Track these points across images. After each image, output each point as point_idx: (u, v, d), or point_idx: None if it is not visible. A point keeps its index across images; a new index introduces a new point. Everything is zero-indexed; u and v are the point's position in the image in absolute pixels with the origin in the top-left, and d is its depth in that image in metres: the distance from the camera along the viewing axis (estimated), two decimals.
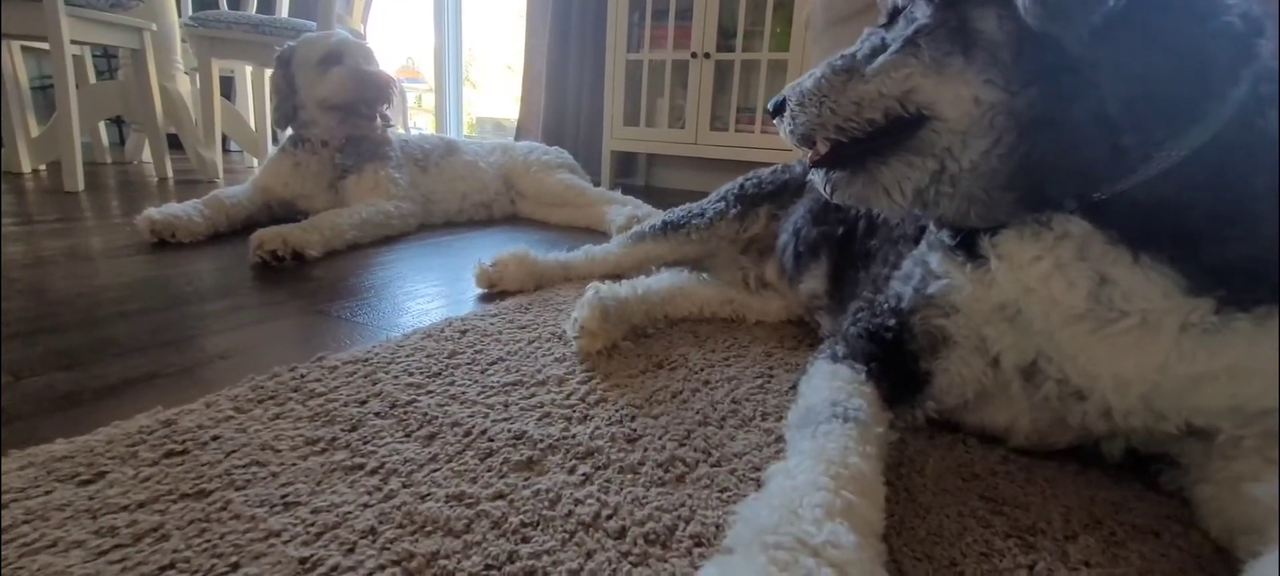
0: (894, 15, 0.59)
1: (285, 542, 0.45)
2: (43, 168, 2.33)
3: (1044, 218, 0.54)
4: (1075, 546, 0.50)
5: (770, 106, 0.67)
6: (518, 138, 3.59)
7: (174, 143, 2.53)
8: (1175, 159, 0.48)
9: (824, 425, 0.51)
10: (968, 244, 0.58)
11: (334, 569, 0.43)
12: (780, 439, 0.62)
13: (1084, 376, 0.53)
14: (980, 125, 0.53)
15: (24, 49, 2.26)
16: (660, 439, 0.63)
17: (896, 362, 0.60)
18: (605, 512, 0.50)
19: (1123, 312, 0.50)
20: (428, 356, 0.79)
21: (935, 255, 0.61)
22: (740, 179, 1.13)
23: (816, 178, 0.66)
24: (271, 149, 2.01)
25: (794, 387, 0.63)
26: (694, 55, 2.80)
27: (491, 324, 0.93)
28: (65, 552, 0.43)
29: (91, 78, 2.81)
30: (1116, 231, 0.51)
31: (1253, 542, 0.45)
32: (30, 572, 0.41)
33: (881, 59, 0.57)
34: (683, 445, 0.62)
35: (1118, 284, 0.50)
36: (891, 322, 0.62)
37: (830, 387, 0.56)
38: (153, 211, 1.38)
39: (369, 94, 1.63)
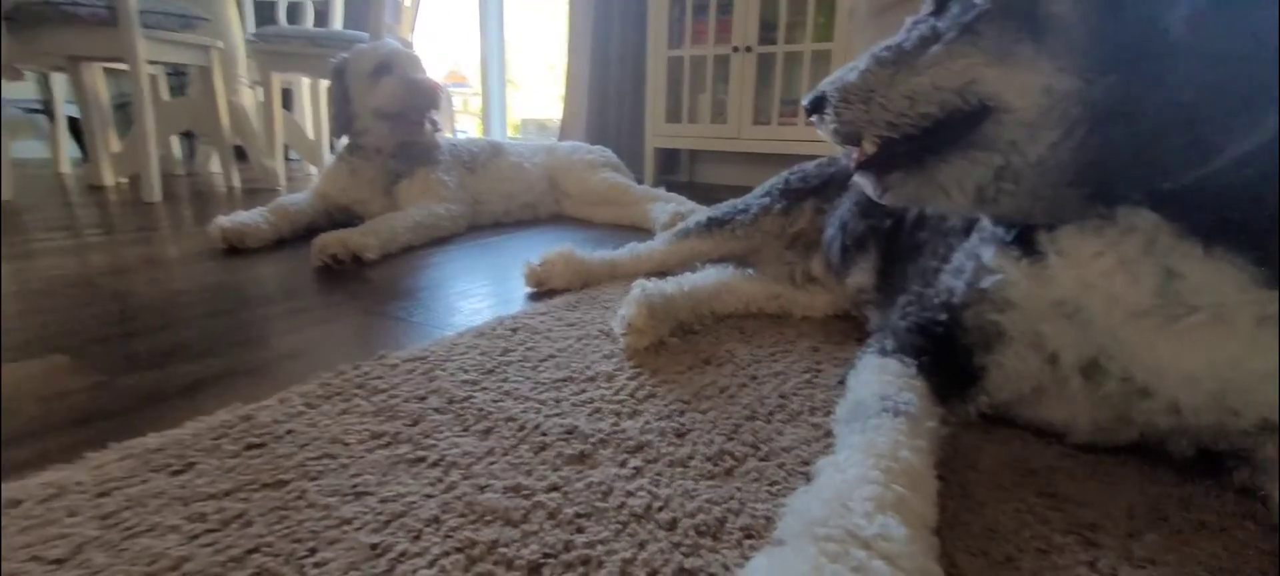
0: (943, 1, 0.57)
1: (357, 530, 0.48)
2: (124, 180, 2.50)
3: (1108, 211, 0.52)
4: (1139, 544, 0.48)
5: (806, 103, 0.63)
6: (561, 137, 3.65)
7: (240, 153, 2.67)
8: (1253, 145, 0.45)
9: (873, 419, 0.51)
10: (1024, 239, 0.56)
11: (402, 555, 0.45)
12: (829, 433, 0.62)
13: (1150, 374, 0.51)
14: (1051, 116, 0.50)
15: (105, 71, 2.42)
16: (709, 433, 0.64)
17: (948, 357, 0.59)
18: (656, 504, 0.52)
19: (1192, 307, 0.48)
20: (481, 354, 0.82)
21: (988, 249, 0.60)
22: (785, 173, 1.12)
23: (864, 181, 0.62)
24: (329, 157, 2.10)
25: (842, 382, 0.63)
26: (736, 49, 2.78)
27: (541, 322, 0.96)
28: (162, 536, 0.47)
29: (164, 95, 2.99)
30: (1186, 223, 0.48)
31: None
32: (133, 554, 0.45)
33: (936, 48, 0.54)
34: (731, 439, 0.63)
35: (1186, 278, 0.48)
36: (942, 317, 0.61)
37: (879, 382, 0.56)
38: (223, 220, 1.46)
39: (418, 101, 1.69)
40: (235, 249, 1.45)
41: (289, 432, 0.61)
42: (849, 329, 0.97)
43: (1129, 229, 0.51)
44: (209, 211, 1.97)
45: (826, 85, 0.61)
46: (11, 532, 0.46)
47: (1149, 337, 0.50)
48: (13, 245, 1.44)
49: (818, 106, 0.61)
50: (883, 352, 0.61)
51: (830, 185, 1.05)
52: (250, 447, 0.59)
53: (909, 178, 0.59)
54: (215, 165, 2.99)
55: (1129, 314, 0.51)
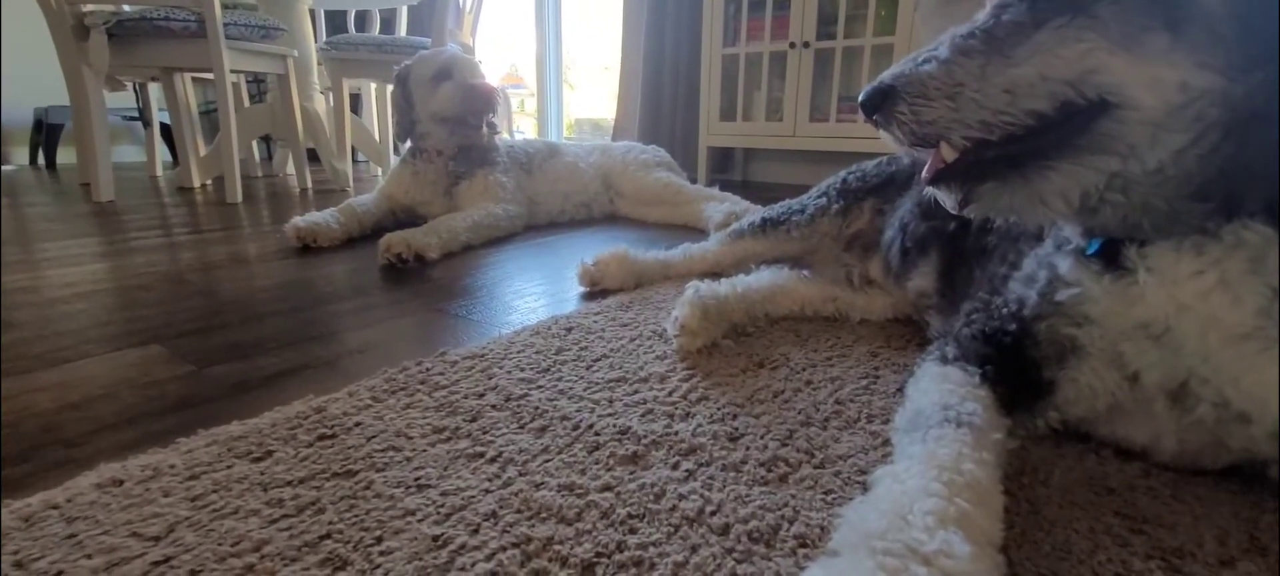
0: None
1: (419, 521, 0.50)
2: (209, 183, 2.67)
3: (1214, 226, 0.47)
4: (1233, 572, 0.45)
5: (864, 99, 0.54)
6: (615, 137, 3.67)
7: (312, 156, 2.82)
8: None
9: (935, 429, 0.49)
10: (1108, 252, 0.52)
11: (462, 547, 0.47)
12: (887, 442, 0.61)
13: (1251, 400, 0.47)
14: (1183, 117, 0.45)
15: (194, 79, 2.60)
16: (762, 438, 0.63)
17: (1015, 368, 0.56)
18: (709, 509, 0.52)
19: None
20: (537, 353, 0.84)
21: (1066, 260, 0.56)
22: (842, 173, 1.10)
23: (943, 193, 0.54)
24: (393, 160, 2.19)
25: (901, 390, 0.61)
26: (792, 45, 2.73)
27: (594, 322, 0.97)
28: (244, 519, 0.50)
29: (246, 102, 3.18)
30: None
31: None
32: (219, 534, 0.48)
33: (1042, 33, 0.47)
34: (785, 445, 0.62)
35: None
36: (1011, 327, 0.58)
37: (940, 390, 0.54)
38: (298, 220, 1.55)
39: (476, 105, 1.74)
40: (308, 247, 1.53)
41: (357, 425, 0.64)
42: (909, 334, 0.94)
43: (1235, 245, 0.46)
44: (285, 211, 2.08)
45: (892, 78, 0.52)
46: (114, 510, 0.50)
47: (1252, 362, 0.46)
48: (112, 243, 1.57)
49: (880, 103, 0.52)
50: (944, 360, 0.59)
51: (890, 185, 1.02)
52: (323, 438, 0.62)
53: (1004, 188, 0.51)
54: (290, 167, 3.16)
55: (1229, 337, 0.47)
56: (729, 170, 3.43)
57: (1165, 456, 0.56)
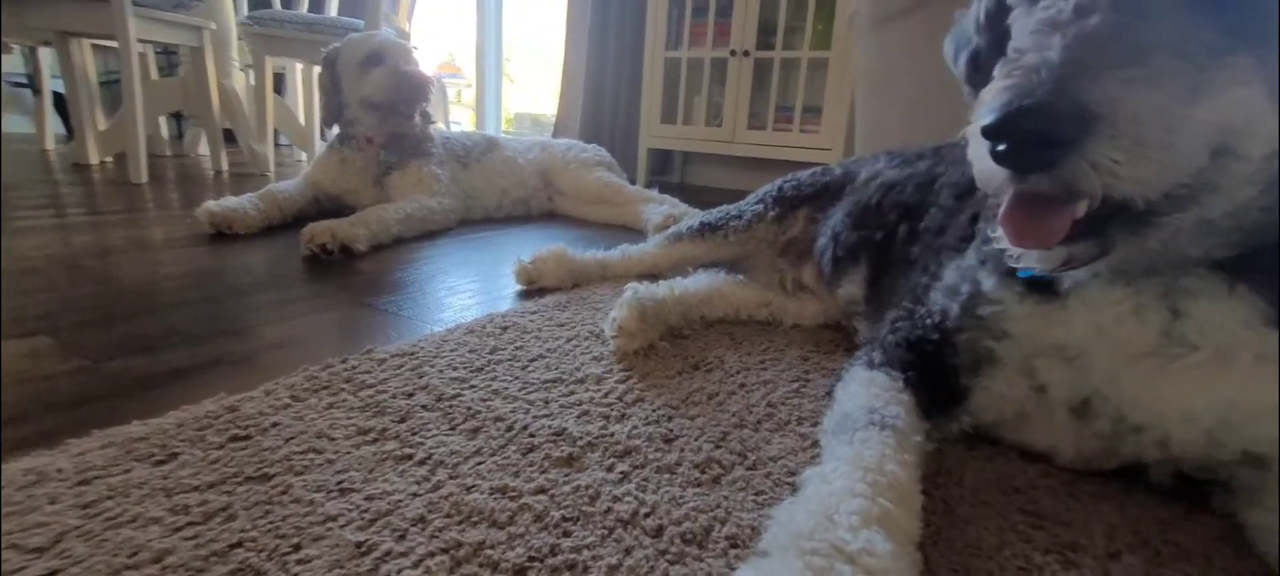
0: None
1: (342, 527, 0.47)
2: (109, 160, 2.46)
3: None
4: (1118, 565, 0.49)
5: (1032, 124, 0.38)
6: (556, 134, 3.64)
7: (229, 137, 2.64)
8: None
9: (861, 432, 0.51)
10: (1044, 281, 0.53)
11: (387, 554, 0.45)
12: (816, 444, 0.63)
13: (1144, 413, 0.51)
14: (1264, 170, 0.42)
15: (94, 47, 2.38)
16: (697, 440, 0.64)
17: (935, 374, 0.60)
18: (643, 511, 0.52)
19: (1193, 347, 0.48)
20: (470, 351, 0.82)
21: (990, 278, 0.58)
22: (779, 181, 1.13)
23: (1049, 255, 0.44)
24: (320, 144, 2.08)
25: (830, 393, 0.63)
26: (733, 53, 2.78)
27: (531, 321, 0.95)
28: (144, 527, 0.46)
29: (154, 74, 2.94)
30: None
31: None
32: (114, 545, 0.44)
33: (1225, 68, 0.38)
34: (719, 447, 0.63)
35: (1192, 318, 0.48)
36: (934, 336, 0.61)
37: (867, 394, 0.56)
38: (212, 204, 1.44)
39: (407, 93, 1.68)
40: (223, 234, 1.43)
41: (274, 425, 0.61)
42: (838, 339, 0.98)
43: (1144, 269, 0.49)
44: (196, 195, 1.94)
45: (1083, 96, 0.36)
46: None
47: (1148, 378, 0.50)
48: None
49: (1073, 137, 0.37)
50: (871, 365, 0.61)
51: (824, 194, 1.05)
52: (235, 439, 0.58)
53: (1134, 243, 0.43)
54: (203, 147, 2.95)
55: (1131, 356, 0.50)
56: (668, 172, 3.46)
57: (1064, 460, 0.60)
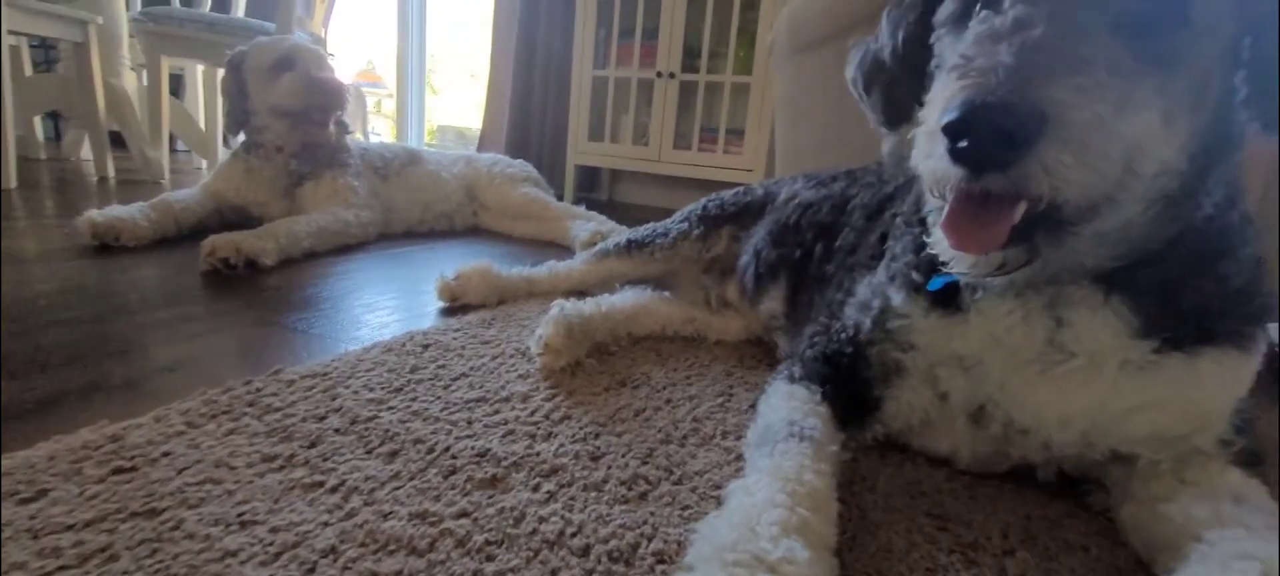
0: None
1: (242, 563, 0.44)
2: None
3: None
4: (1013, 561, 0.53)
5: (987, 126, 0.39)
6: (480, 148, 3.57)
7: (116, 140, 2.43)
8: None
9: (781, 443, 0.53)
10: (947, 292, 0.57)
11: None
12: (740, 457, 0.64)
13: (1030, 416, 0.56)
14: (1154, 187, 0.46)
15: None
16: (624, 457, 0.64)
17: (850, 386, 0.63)
18: (570, 530, 0.51)
19: (1071, 354, 0.53)
20: (389, 371, 0.79)
21: (899, 294, 0.61)
22: (703, 200, 1.16)
23: (981, 260, 0.47)
24: (222, 151, 1.94)
25: (753, 407, 0.65)
26: (659, 74, 2.84)
27: (454, 338, 0.93)
28: None
29: (28, 70, 2.67)
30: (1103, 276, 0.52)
31: (1168, 559, 0.49)
32: None
33: (1145, 86, 0.42)
34: (645, 463, 0.63)
35: (1072, 326, 0.53)
36: (848, 350, 0.64)
37: (787, 407, 0.58)
38: (94, 213, 1.32)
39: (320, 100, 1.61)
40: (108, 247, 1.31)
41: (165, 455, 0.56)
42: (761, 354, 1.01)
43: (1045, 281, 0.52)
44: (76, 203, 1.77)
45: (1035, 97, 0.38)
46: None
47: (1033, 383, 0.54)
48: None
49: (1029, 139, 0.39)
50: (791, 379, 0.64)
51: (746, 213, 1.09)
52: (118, 471, 0.53)
53: (1058, 250, 0.47)
54: (87, 151, 2.69)
55: (1019, 363, 0.55)
56: (596, 189, 3.47)
57: (963, 463, 0.65)
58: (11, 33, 1.91)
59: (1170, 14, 0.42)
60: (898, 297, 0.61)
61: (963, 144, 0.40)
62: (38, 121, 2.69)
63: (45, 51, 3.04)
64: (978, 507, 0.60)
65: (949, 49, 0.50)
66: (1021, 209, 0.43)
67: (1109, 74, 0.40)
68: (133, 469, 0.53)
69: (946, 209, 0.46)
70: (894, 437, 0.67)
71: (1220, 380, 0.52)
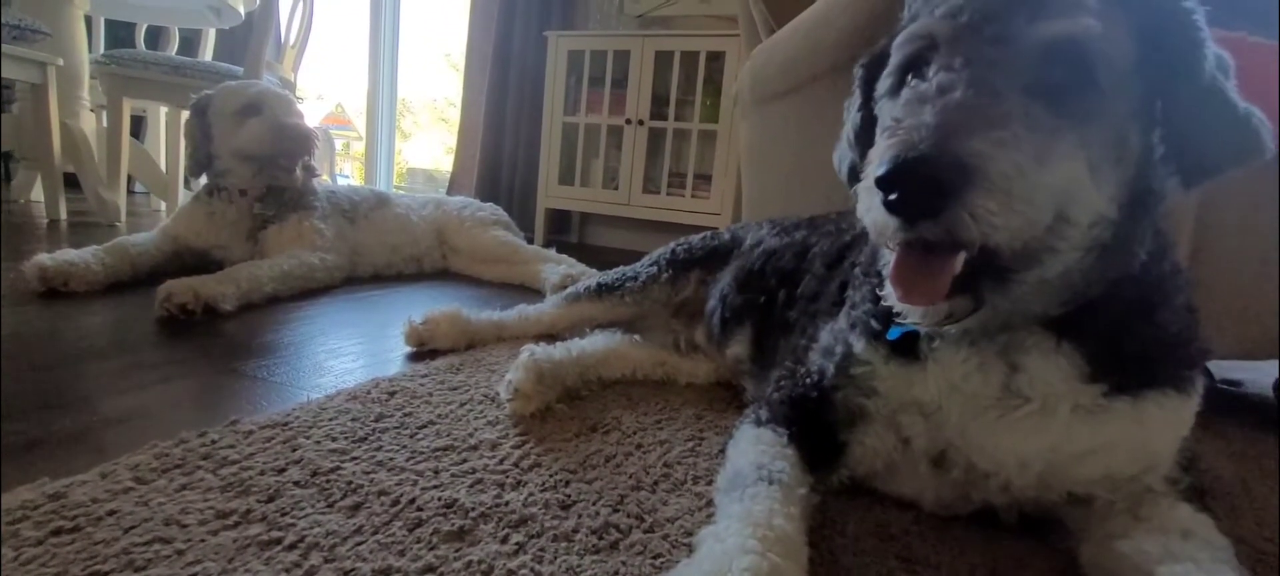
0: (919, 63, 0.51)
1: None
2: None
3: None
4: None
5: (918, 178, 0.42)
6: (450, 191, 3.57)
7: (70, 182, 2.36)
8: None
9: (751, 488, 0.53)
10: (906, 341, 0.58)
11: None
12: (711, 502, 0.64)
13: (989, 460, 0.57)
14: (1088, 236, 0.49)
15: None
16: (594, 504, 0.63)
17: (816, 430, 0.63)
18: None
19: (1026, 399, 0.54)
20: (353, 420, 0.77)
21: (860, 341, 0.62)
22: (673, 244, 1.17)
23: (928, 310, 0.49)
24: (183, 193, 1.91)
25: (722, 451, 0.65)
26: (629, 121, 2.90)
27: (421, 385, 0.91)
28: None
29: None
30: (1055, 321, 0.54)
31: None
32: None
33: (1067, 139, 0.45)
34: (617, 511, 0.62)
35: (1026, 371, 0.54)
36: (813, 394, 0.65)
37: (755, 451, 0.59)
38: (44, 257, 1.27)
39: (288, 146, 1.60)
40: (56, 291, 1.26)
41: (111, 513, 0.53)
42: (730, 397, 1.01)
43: (996, 329, 0.54)
44: (24, 246, 1.70)
45: (959, 152, 0.42)
46: None
47: (991, 428, 0.56)
48: None
49: (956, 187, 0.42)
50: (758, 422, 0.64)
51: (713, 257, 1.11)
52: (58, 533, 0.50)
53: (1003, 298, 0.49)
54: (39, 193, 2.61)
55: (977, 409, 0.56)
56: (566, 232, 3.49)
57: (929, 506, 0.66)
58: None
59: (1078, 79, 0.46)
60: (858, 344, 0.63)
61: (893, 196, 0.44)
62: None
63: (1, 91, 2.96)
64: (945, 549, 0.61)
65: (887, 114, 0.54)
66: (960, 259, 0.46)
67: (1026, 129, 0.43)
68: (75, 529, 0.51)
69: (892, 262, 0.49)
70: (861, 481, 0.67)
71: (1164, 421, 0.54)
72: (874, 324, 0.62)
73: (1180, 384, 0.54)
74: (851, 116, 0.65)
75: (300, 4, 2.64)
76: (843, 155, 0.67)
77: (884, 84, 0.57)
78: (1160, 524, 0.53)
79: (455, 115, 3.66)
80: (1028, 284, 0.49)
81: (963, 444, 0.58)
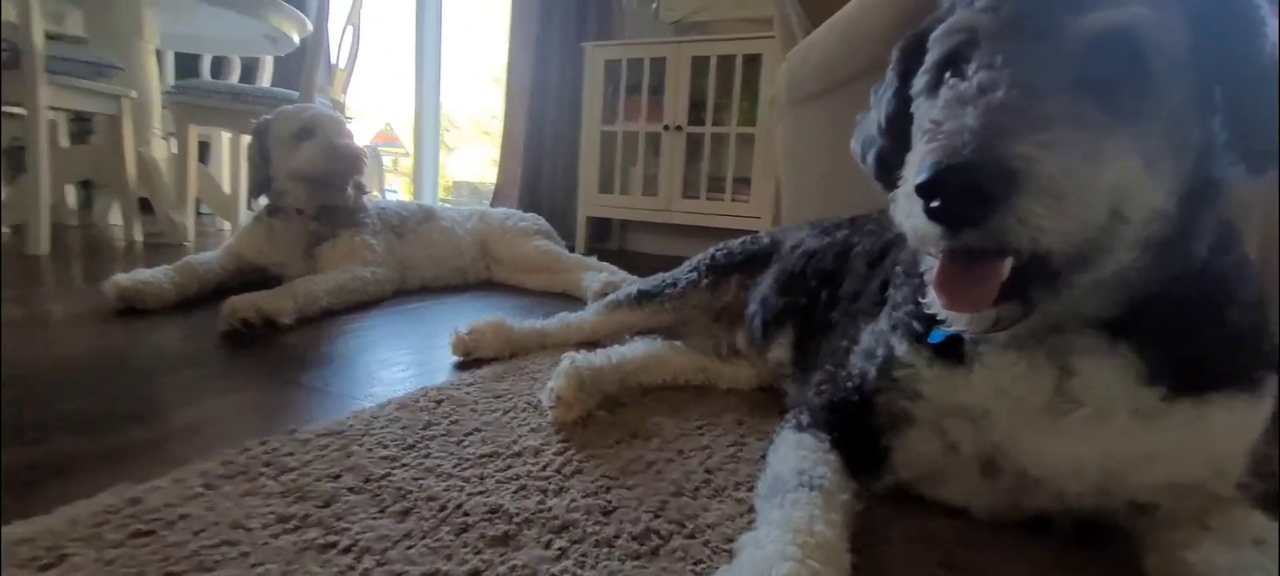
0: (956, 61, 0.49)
1: None
2: (8, 230, 2.28)
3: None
4: None
5: (957, 184, 0.41)
6: (494, 202, 3.65)
7: (144, 205, 2.52)
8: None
9: (791, 493, 0.53)
10: (950, 344, 0.57)
11: None
12: (753, 509, 0.64)
13: (1041, 467, 0.55)
14: (1144, 233, 0.47)
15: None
16: (635, 510, 0.64)
17: (858, 434, 0.62)
18: None
19: (1080, 403, 0.52)
20: (403, 427, 0.79)
21: (902, 344, 0.61)
22: (712, 249, 1.17)
23: (983, 317, 0.46)
24: (245, 214, 2.01)
25: (764, 457, 0.65)
26: (666, 127, 2.91)
27: (467, 393, 0.94)
28: None
29: (64, 141, 2.79)
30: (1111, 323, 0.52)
31: None
32: None
33: (1121, 135, 0.43)
34: (658, 517, 0.63)
35: (1080, 375, 0.52)
36: (855, 398, 0.64)
37: (796, 456, 0.58)
38: (121, 277, 1.36)
39: (339, 167, 1.67)
40: (133, 309, 1.34)
41: (183, 517, 0.57)
42: (772, 402, 1.00)
43: (1047, 331, 0.52)
44: (104, 267, 1.83)
45: (1003, 154, 0.40)
46: None
47: (1042, 434, 0.54)
48: None
49: (999, 192, 0.40)
50: (799, 427, 0.64)
51: (753, 261, 1.10)
52: (136, 535, 0.54)
53: (1056, 302, 0.47)
54: (116, 217, 2.79)
55: (1028, 414, 0.54)
56: (607, 240, 3.52)
57: (978, 513, 0.64)
58: (53, 108, 2.02)
59: (1129, 71, 0.44)
60: (901, 347, 0.61)
61: (935, 204, 0.42)
62: (71, 189, 2.80)
63: (80, 123, 3.19)
64: (996, 557, 0.59)
65: (924, 115, 0.53)
66: (1007, 264, 0.44)
67: (1075, 127, 0.42)
68: (151, 532, 0.54)
69: (936, 269, 0.47)
70: (907, 487, 0.66)
71: (1232, 424, 0.51)
72: (916, 326, 0.60)
73: (1250, 384, 0.51)
74: (883, 102, 0.62)
75: (349, 28, 2.75)
76: (869, 141, 0.65)
77: (921, 81, 0.55)
78: (1230, 533, 0.50)
79: (497, 128, 3.74)
80: (1080, 286, 0.47)
81: (1013, 450, 0.56)
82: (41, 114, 1.89)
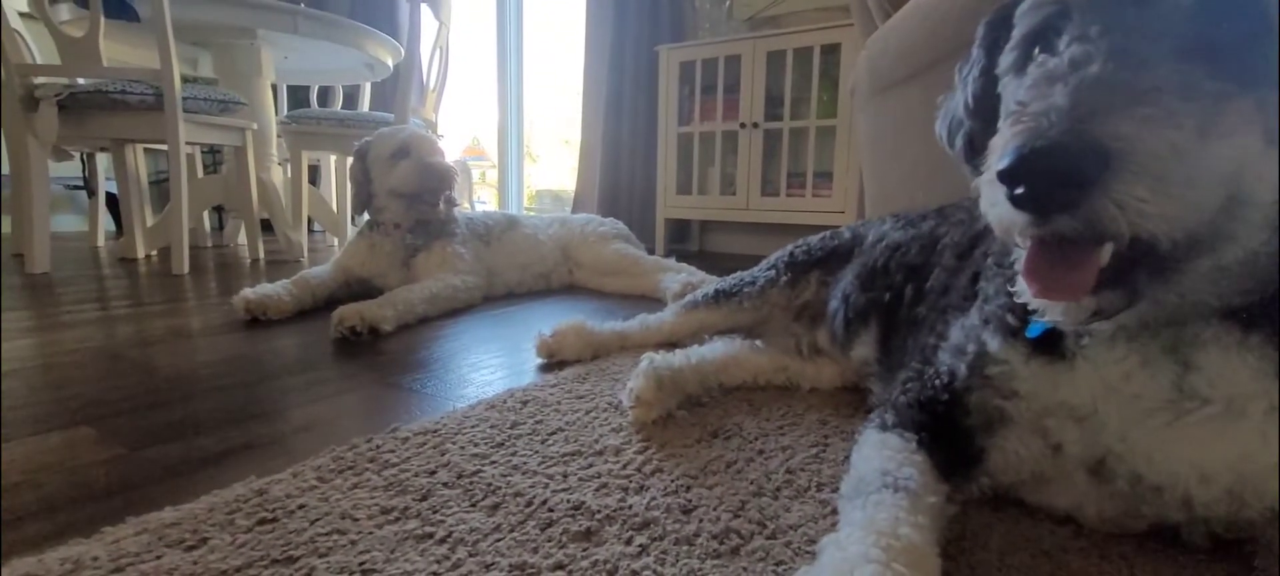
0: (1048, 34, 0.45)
1: None
2: (154, 253, 2.59)
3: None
4: None
5: (1047, 168, 0.37)
6: (575, 209, 3.75)
7: (265, 226, 2.78)
8: None
9: (874, 495, 0.51)
10: (1049, 338, 0.53)
11: None
12: (836, 510, 0.62)
13: (1160, 472, 0.50)
14: (1269, 215, 0.42)
15: (145, 150, 2.56)
16: (715, 510, 0.64)
17: (949, 435, 0.59)
18: None
19: (1205, 400, 0.47)
20: (491, 427, 0.83)
21: (995, 339, 0.57)
22: (790, 246, 1.15)
23: (1081, 307, 0.43)
24: (351, 231, 2.18)
25: (847, 457, 0.63)
26: (743, 126, 2.88)
27: (551, 394, 0.97)
28: None
29: (200, 172, 3.14)
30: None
31: None
32: None
33: (1234, 110, 0.39)
34: (738, 516, 0.62)
35: (1202, 370, 0.47)
36: (944, 397, 0.60)
37: (880, 457, 0.56)
38: (248, 291, 1.51)
39: (432, 183, 1.77)
40: (258, 320, 1.49)
41: (301, 507, 0.62)
42: (857, 401, 0.97)
43: (1162, 321, 0.47)
44: (233, 283, 2.03)
45: (1100, 134, 0.36)
46: None
47: (1161, 435, 0.49)
48: (45, 316, 1.50)
49: (1093, 176, 0.36)
50: (884, 427, 0.61)
51: (833, 257, 1.07)
52: (263, 522, 0.60)
53: (1167, 291, 0.43)
54: (242, 238, 3.10)
55: (1142, 412, 0.49)
56: (686, 241, 3.52)
57: (1089, 521, 0.59)
58: (190, 143, 2.27)
59: (1247, 28, 0.39)
60: (994, 343, 0.57)
61: (1020, 190, 0.39)
62: (206, 215, 3.14)
63: (212, 155, 3.57)
64: (1112, 568, 0.54)
65: (1011, 95, 0.49)
66: (1106, 251, 0.40)
67: (1183, 100, 0.37)
68: (274, 520, 0.60)
69: (1025, 256, 0.44)
70: (1005, 491, 0.62)
71: None
72: (1010, 320, 0.56)
73: None
74: (968, 82, 0.59)
75: (437, 51, 2.92)
76: (956, 123, 0.61)
77: (1007, 58, 0.51)
78: None
79: (577, 136, 3.84)
80: (1197, 274, 0.43)
81: (1125, 452, 0.51)
82: (182, 148, 2.14)
